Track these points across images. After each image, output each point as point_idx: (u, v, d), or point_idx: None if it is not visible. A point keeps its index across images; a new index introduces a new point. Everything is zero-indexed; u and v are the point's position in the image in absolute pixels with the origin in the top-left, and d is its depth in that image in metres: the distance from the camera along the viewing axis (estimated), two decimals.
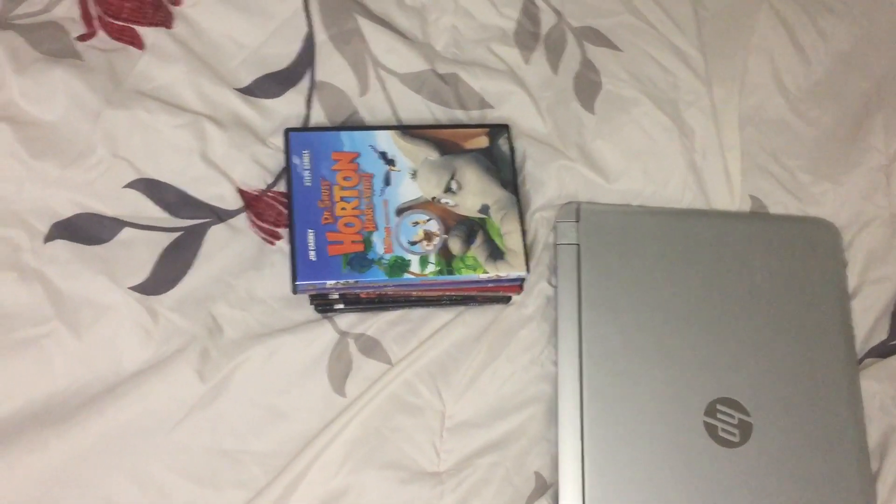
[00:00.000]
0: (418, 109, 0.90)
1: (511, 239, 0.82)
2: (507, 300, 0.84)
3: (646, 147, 0.93)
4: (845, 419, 0.82)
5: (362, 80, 0.90)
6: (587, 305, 0.83)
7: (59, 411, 0.73)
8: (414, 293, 0.81)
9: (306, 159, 0.82)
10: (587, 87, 0.95)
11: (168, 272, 0.79)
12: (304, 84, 0.89)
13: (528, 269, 0.81)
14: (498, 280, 0.81)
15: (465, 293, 0.83)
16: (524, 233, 0.83)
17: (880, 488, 0.81)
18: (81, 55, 0.84)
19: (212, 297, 0.79)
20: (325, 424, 0.77)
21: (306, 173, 0.81)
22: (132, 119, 0.82)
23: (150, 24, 0.87)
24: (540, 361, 0.83)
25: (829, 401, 0.82)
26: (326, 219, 0.79)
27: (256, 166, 0.84)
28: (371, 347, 0.81)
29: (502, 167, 0.85)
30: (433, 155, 0.84)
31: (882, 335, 0.89)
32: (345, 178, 0.81)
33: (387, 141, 0.84)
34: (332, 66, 0.90)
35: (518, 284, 0.83)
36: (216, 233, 0.81)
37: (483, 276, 0.80)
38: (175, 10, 0.88)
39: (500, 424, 0.81)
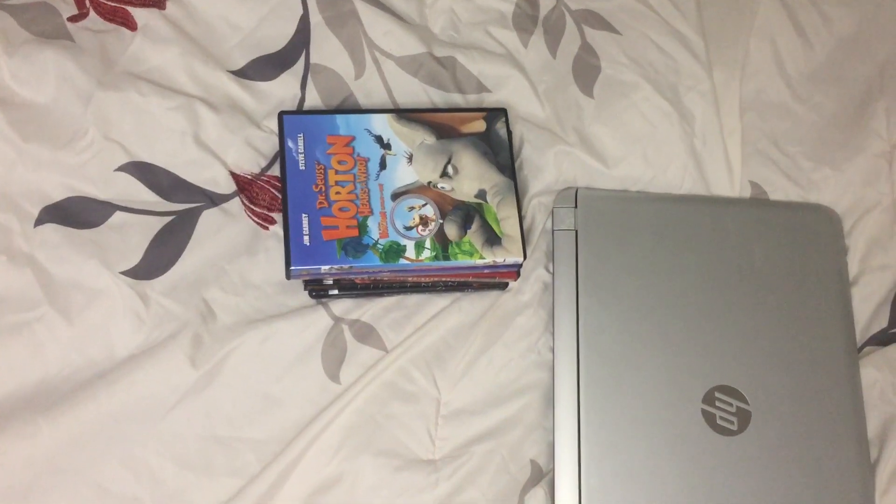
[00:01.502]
0: (415, 93, 0.89)
1: (508, 224, 0.81)
2: (503, 286, 0.84)
3: (645, 132, 0.92)
4: (845, 407, 0.81)
5: (358, 62, 0.89)
6: (585, 292, 0.83)
7: (50, 397, 0.73)
8: (409, 279, 0.81)
9: (301, 143, 0.81)
10: (586, 72, 0.94)
11: (160, 257, 0.78)
12: (299, 66, 0.88)
13: (525, 255, 0.80)
14: (494, 266, 0.80)
15: (462, 279, 0.82)
16: (521, 218, 0.82)
17: (879, 477, 0.81)
18: (73, 36, 0.83)
19: (205, 282, 0.79)
20: (319, 411, 0.77)
21: (300, 157, 0.80)
22: (124, 101, 0.82)
23: (143, 5, 0.86)
24: (537, 349, 0.83)
25: (828, 389, 0.82)
26: (321, 203, 0.78)
27: (250, 150, 0.84)
28: (366, 334, 0.80)
29: (499, 152, 0.84)
30: (430, 139, 0.83)
31: (882, 323, 0.89)
32: (340, 162, 0.80)
33: (382, 125, 0.83)
34: (327, 49, 0.89)
35: (515, 270, 0.82)
36: (209, 217, 0.81)
37: (479, 262, 0.79)
38: None
39: (496, 412, 0.80)
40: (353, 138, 0.82)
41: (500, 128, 0.85)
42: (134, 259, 0.78)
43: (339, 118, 0.83)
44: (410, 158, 0.82)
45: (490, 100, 0.91)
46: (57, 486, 0.71)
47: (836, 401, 0.82)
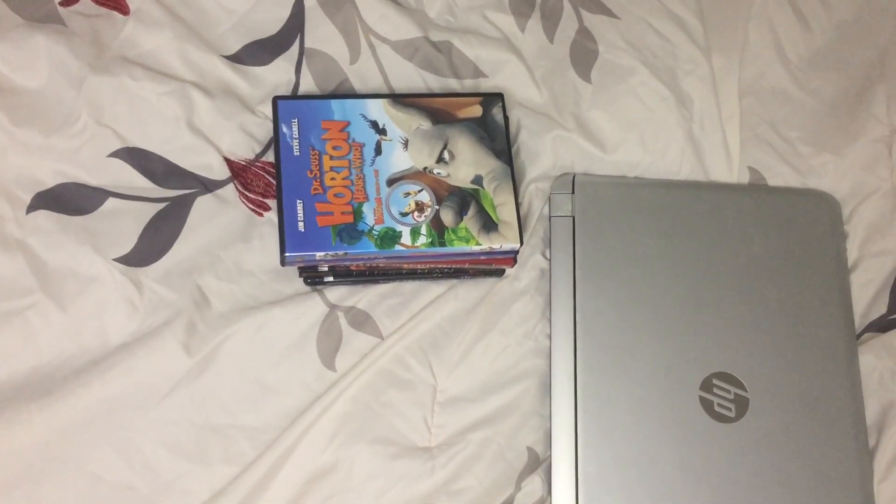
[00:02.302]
0: (410, 78, 0.89)
1: (504, 210, 0.80)
2: (500, 273, 0.83)
3: (643, 117, 0.91)
4: (843, 394, 0.81)
5: (353, 47, 0.88)
6: (582, 278, 0.82)
7: (43, 384, 0.73)
8: (405, 266, 0.80)
9: (295, 128, 0.80)
10: (584, 56, 0.93)
11: (154, 243, 0.78)
12: (294, 51, 0.87)
13: (521, 241, 0.80)
14: (491, 252, 0.80)
15: (458, 266, 0.81)
16: (518, 204, 0.81)
17: (877, 463, 0.81)
18: (65, 20, 0.83)
19: (199, 269, 0.78)
20: (314, 399, 0.76)
21: (295, 142, 0.79)
22: (117, 86, 0.81)
23: None
24: (533, 335, 0.82)
25: (826, 375, 0.82)
26: (315, 189, 0.78)
27: (244, 135, 0.83)
28: (361, 321, 0.79)
29: (496, 137, 0.83)
30: (425, 124, 0.82)
31: (881, 309, 0.88)
32: (335, 148, 0.80)
33: (378, 110, 0.82)
34: (322, 33, 0.88)
35: (511, 257, 0.82)
36: (203, 203, 0.80)
37: (476, 248, 0.79)
38: None
39: (493, 399, 0.80)
40: (349, 123, 0.81)
41: (497, 113, 0.85)
42: (127, 246, 0.77)
43: (334, 103, 0.82)
44: (406, 144, 0.81)
45: (486, 85, 0.90)
46: (50, 475, 0.71)
47: (835, 387, 0.81)
